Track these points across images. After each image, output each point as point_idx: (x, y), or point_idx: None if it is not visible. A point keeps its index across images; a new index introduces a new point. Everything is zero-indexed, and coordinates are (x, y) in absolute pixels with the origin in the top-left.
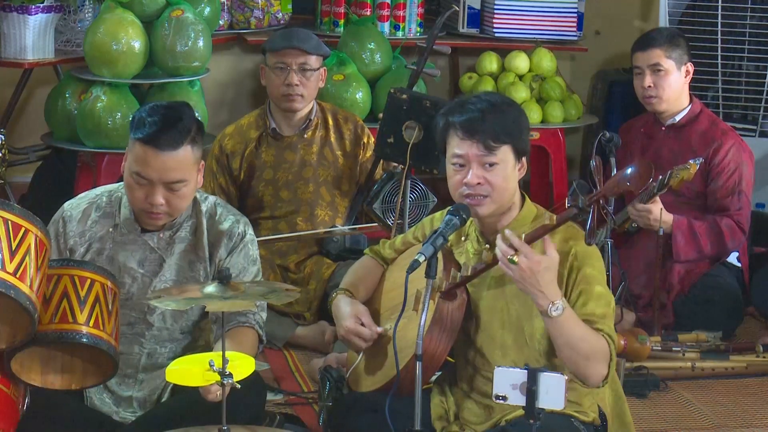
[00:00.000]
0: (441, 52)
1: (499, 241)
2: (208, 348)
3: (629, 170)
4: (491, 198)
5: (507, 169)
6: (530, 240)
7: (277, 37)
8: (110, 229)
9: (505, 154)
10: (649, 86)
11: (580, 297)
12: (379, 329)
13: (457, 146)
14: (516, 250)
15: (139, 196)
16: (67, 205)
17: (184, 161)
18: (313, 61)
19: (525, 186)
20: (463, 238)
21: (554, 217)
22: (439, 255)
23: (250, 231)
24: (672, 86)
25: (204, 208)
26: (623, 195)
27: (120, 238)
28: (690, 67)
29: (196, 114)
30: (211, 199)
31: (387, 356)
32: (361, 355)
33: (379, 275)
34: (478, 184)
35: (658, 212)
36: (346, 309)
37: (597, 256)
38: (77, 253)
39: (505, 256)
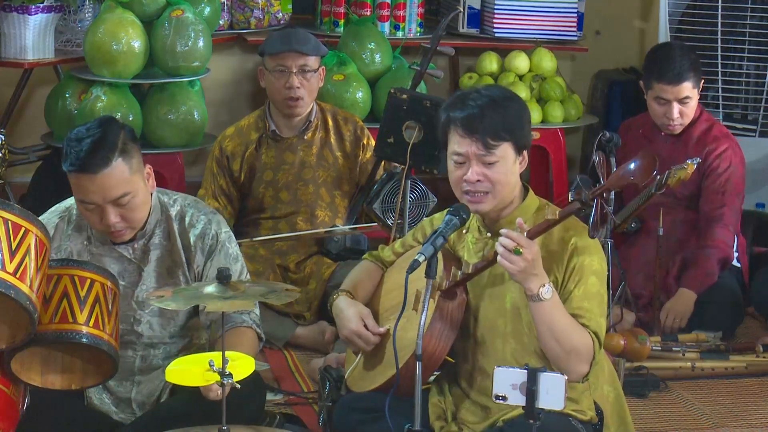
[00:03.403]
0: (445, 53)
1: (500, 239)
2: (202, 348)
3: (632, 164)
4: (492, 194)
5: (507, 165)
6: (533, 235)
7: (274, 40)
8: (85, 242)
9: (504, 150)
10: (678, 116)
11: (577, 286)
12: (383, 330)
13: (458, 144)
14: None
15: (94, 221)
16: None
17: (120, 176)
18: (312, 61)
19: None
20: (464, 231)
21: (557, 211)
22: (439, 254)
23: (225, 228)
24: (694, 108)
25: (173, 212)
26: (623, 191)
27: (96, 251)
28: (702, 83)
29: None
30: (180, 200)
31: (385, 355)
32: (359, 356)
33: (379, 278)
34: (478, 181)
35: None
36: (350, 310)
37: (597, 247)
38: None
39: (510, 249)
